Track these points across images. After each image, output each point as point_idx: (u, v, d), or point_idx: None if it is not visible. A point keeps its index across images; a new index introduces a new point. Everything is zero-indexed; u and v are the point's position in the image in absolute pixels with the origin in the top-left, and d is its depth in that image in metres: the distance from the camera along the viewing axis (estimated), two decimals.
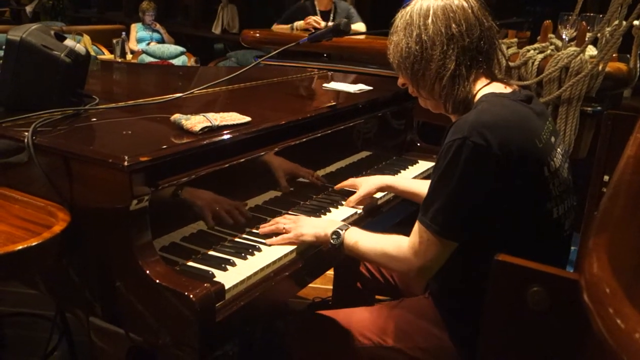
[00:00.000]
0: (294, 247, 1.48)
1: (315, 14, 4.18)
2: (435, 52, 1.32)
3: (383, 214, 1.84)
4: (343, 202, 1.79)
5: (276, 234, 1.50)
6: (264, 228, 1.53)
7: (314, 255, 1.51)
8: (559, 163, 1.30)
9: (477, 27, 1.32)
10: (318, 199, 1.82)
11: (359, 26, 4.17)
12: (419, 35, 1.33)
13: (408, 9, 1.38)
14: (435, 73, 1.33)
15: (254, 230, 1.57)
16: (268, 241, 1.48)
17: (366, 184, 1.80)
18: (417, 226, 1.29)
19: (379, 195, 1.85)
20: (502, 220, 1.26)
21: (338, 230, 1.43)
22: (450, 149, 1.21)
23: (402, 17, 1.38)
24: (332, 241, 1.43)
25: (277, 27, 4.17)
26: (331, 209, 1.75)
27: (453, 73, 1.32)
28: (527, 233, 1.28)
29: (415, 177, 2.08)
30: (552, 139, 1.32)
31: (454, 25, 1.31)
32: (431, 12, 1.32)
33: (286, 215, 1.59)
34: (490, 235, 1.27)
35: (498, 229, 1.27)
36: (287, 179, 1.73)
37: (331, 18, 4.21)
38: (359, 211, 1.77)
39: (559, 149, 1.33)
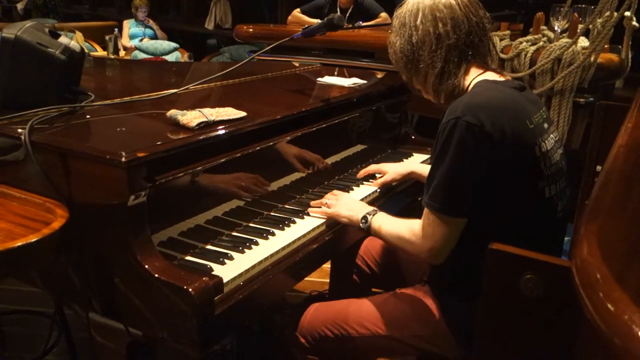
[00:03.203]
0: (291, 240, 1.50)
1: (336, 11, 4.21)
2: (424, 52, 1.38)
3: (385, 204, 1.88)
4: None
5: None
6: (314, 201, 1.70)
7: (311, 249, 1.52)
8: (550, 146, 1.33)
9: (464, 23, 1.36)
10: (314, 192, 1.83)
11: (385, 16, 4.20)
12: (410, 36, 1.40)
13: (403, 8, 1.44)
14: (424, 71, 1.41)
15: (251, 225, 1.58)
16: (309, 209, 1.66)
17: (393, 170, 1.92)
18: (424, 209, 1.34)
19: None
20: (497, 200, 1.29)
21: (367, 215, 1.53)
22: (445, 129, 1.26)
23: (397, 17, 1.45)
24: (361, 225, 1.53)
25: (300, 16, 4.24)
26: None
27: (441, 70, 1.38)
28: (522, 213, 1.31)
29: None
30: (545, 125, 1.36)
31: (440, 25, 1.36)
32: (420, 13, 1.38)
33: (335, 191, 1.74)
34: (487, 216, 1.30)
35: (494, 210, 1.30)
36: (281, 174, 1.75)
37: (346, 17, 4.23)
38: (377, 189, 1.90)
39: (552, 135, 1.37)
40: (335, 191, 1.74)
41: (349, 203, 1.63)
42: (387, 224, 1.48)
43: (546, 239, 1.35)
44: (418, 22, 1.38)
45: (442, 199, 1.28)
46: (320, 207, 1.66)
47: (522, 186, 1.30)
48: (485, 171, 1.25)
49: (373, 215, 1.52)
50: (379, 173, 1.96)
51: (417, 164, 2.02)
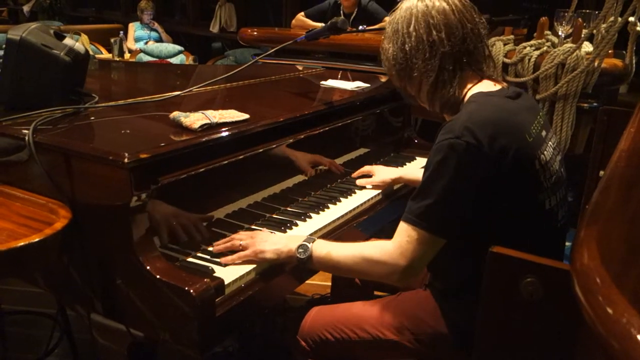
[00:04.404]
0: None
1: (339, 15, 4.22)
2: (417, 60, 1.35)
3: (386, 208, 1.89)
4: (342, 198, 1.81)
5: (233, 251, 1.40)
6: (219, 246, 1.42)
7: None
8: (549, 156, 1.32)
9: (459, 29, 1.33)
10: (317, 196, 1.83)
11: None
12: (403, 44, 1.36)
13: (396, 14, 1.41)
14: (418, 80, 1.38)
15: (253, 227, 1.58)
16: (223, 259, 1.37)
17: (382, 173, 1.95)
18: (403, 226, 1.29)
19: None
20: (496, 214, 1.28)
21: (304, 243, 1.37)
22: (442, 148, 1.23)
23: (390, 23, 1.42)
24: (298, 255, 1.36)
25: (304, 20, 4.27)
26: (333, 203, 1.77)
27: (435, 79, 1.35)
28: (522, 225, 1.30)
29: None
30: (543, 133, 1.35)
31: (434, 32, 1.33)
32: (413, 19, 1.35)
33: (241, 232, 1.48)
34: (486, 228, 1.29)
35: (493, 223, 1.29)
36: (285, 176, 1.75)
37: (350, 21, 4.23)
38: (379, 192, 1.91)
39: (550, 142, 1.36)
40: (241, 232, 1.48)
41: (270, 238, 1.42)
42: (340, 248, 1.35)
43: (547, 248, 1.34)
44: (411, 28, 1.34)
45: (433, 218, 1.24)
46: (230, 249, 1.41)
47: (522, 201, 1.28)
48: (483, 189, 1.23)
49: (312, 242, 1.36)
50: (370, 173, 1.97)
51: (406, 169, 2.04)
